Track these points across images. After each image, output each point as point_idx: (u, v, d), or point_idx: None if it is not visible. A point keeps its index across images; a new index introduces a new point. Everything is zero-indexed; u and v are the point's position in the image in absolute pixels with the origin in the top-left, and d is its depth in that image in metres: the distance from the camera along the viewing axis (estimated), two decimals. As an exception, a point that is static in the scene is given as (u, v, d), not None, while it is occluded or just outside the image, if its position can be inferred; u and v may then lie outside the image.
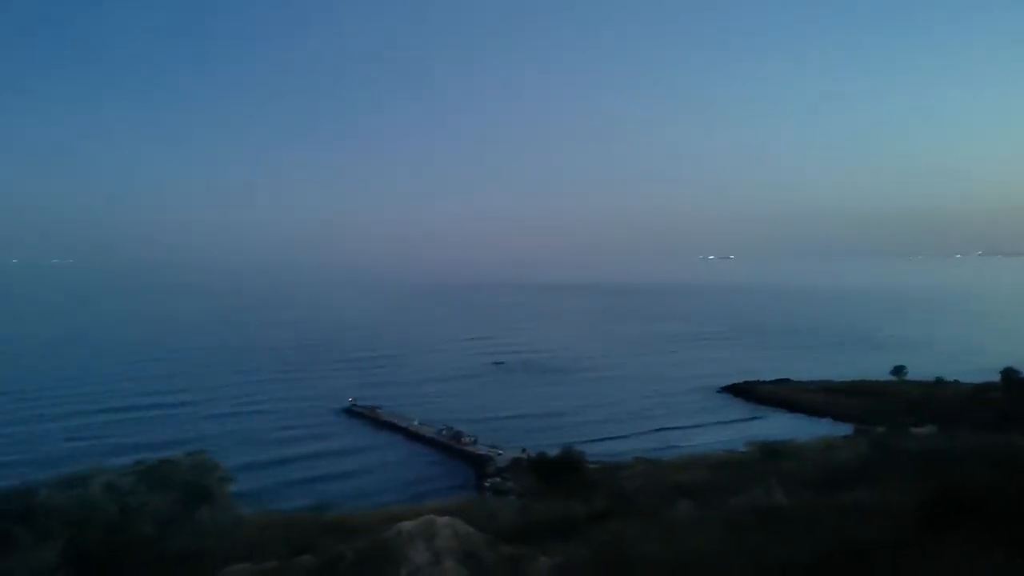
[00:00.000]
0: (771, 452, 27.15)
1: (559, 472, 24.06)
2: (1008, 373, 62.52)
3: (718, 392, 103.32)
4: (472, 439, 73.62)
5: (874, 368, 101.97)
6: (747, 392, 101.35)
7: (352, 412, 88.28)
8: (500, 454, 67.97)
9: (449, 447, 73.11)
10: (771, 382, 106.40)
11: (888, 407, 69.24)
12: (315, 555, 12.76)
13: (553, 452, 26.67)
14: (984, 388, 67.35)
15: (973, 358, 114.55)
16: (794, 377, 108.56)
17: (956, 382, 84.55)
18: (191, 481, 15.40)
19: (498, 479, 59.32)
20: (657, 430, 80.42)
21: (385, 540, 12.77)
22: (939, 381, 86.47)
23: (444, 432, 76.20)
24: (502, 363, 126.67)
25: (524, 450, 68.36)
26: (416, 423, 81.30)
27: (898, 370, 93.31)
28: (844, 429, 56.15)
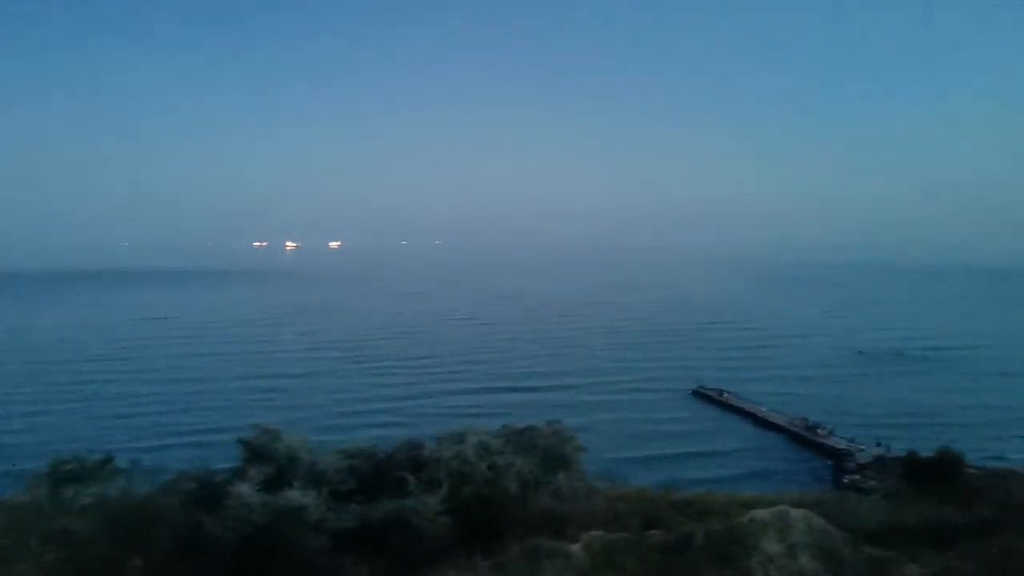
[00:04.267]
0: None
1: (933, 474, 21.70)
2: None
3: None
4: (828, 431, 69.23)
5: None
6: None
7: (699, 395, 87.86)
8: (862, 449, 63.07)
9: (802, 437, 69.52)
10: None
11: None
12: (665, 531, 12.96)
13: (922, 451, 24.21)
14: None
15: None
16: None
17: None
18: (551, 447, 16.49)
19: (858, 476, 55.24)
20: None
21: (737, 526, 12.53)
22: None
23: (797, 421, 72.68)
24: (865, 351, 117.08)
25: (879, 444, 62.82)
26: (765, 409, 78.58)
27: None
28: None
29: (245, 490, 14.17)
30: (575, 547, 13.05)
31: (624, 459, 57.90)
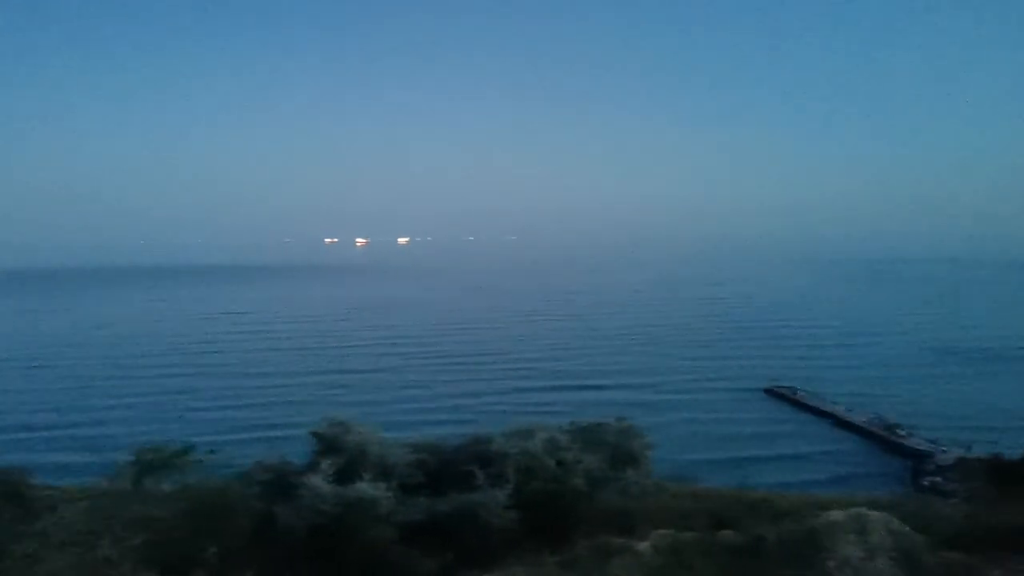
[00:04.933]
0: None
1: (1018, 477, 20.82)
2: None
3: None
4: (908, 431, 66.97)
5: None
6: None
7: (771, 393, 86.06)
8: (944, 451, 60.77)
9: (880, 438, 67.39)
10: None
11: None
12: (737, 532, 12.72)
13: (1007, 454, 23.27)
14: None
15: None
16: None
17: None
18: (619, 444, 16.37)
19: (939, 478, 53.23)
20: None
21: (812, 527, 12.22)
22: None
23: (875, 421, 70.50)
24: (946, 349, 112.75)
25: (966, 446, 60.36)
26: (841, 409, 76.46)
27: None
28: None
29: (317, 481, 14.47)
30: (643, 545, 12.92)
31: (694, 459, 57.15)
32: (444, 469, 15.96)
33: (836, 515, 12.38)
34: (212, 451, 17.11)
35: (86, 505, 14.45)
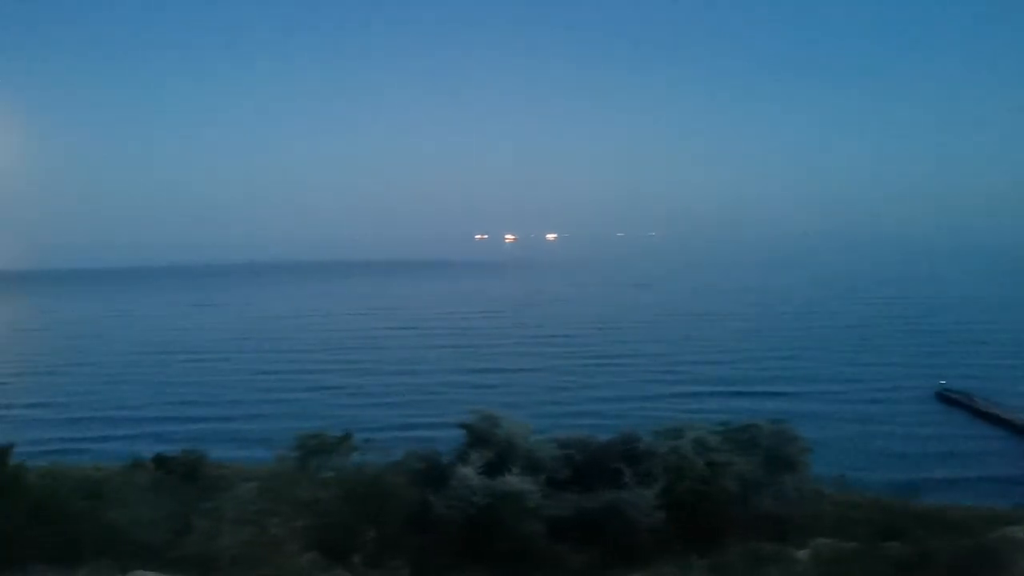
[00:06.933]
0: None
1: None
2: None
3: None
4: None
5: None
6: None
7: (943, 398, 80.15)
8: None
9: (1069, 450, 61.36)
10: None
11: None
12: (904, 544, 11.91)
13: None
14: None
15: None
16: None
17: None
18: (773, 447, 15.75)
19: None
20: None
21: (988, 543, 11.27)
22: None
23: (1063, 431, 64.19)
24: None
25: None
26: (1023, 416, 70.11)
27: None
28: None
29: (468, 472, 14.83)
30: (801, 553, 12.36)
31: (858, 467, 54.00)
32: (591, 465, 15.94)
33: (1016, 531, 11.37)
34: (369, 440, 17.89)
35: (256, 486, 15.48)
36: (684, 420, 18.50)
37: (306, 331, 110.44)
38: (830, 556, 11.95)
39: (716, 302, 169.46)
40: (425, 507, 14.54)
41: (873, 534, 12.74)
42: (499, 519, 13.98)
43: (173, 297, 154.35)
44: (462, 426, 17.24)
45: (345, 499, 14.61)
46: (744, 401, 79.75)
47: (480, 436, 16.61)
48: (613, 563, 13.59)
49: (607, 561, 13.64)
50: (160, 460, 17.51)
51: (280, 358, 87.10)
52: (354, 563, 12.84)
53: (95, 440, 42.65)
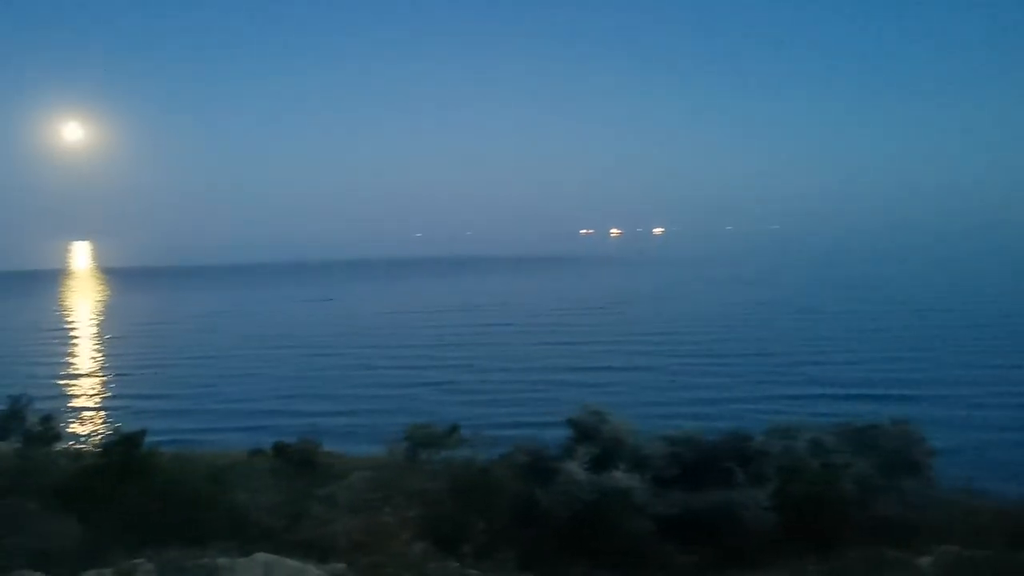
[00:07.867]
0: None
1: None
2: None
3: None
4: None
5: None
6: None
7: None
8: None
9: None
10: None
11: None
12: (1041, 555, 11.12)
13: None
14: None
15: None
16: None
17: None
18: (895, 449, 15.04)
19: None
20: None
21: None
22: None
23: None
24: None
25: None
26: None
27: None
28: None
29: (574, 467, 14.82)
30: (924, 560, 11.74)
31: (987, 475, 50.65)
32: (700, 464, 15.64)
33: None
34: (476, 433, 18.15)
35: (368, 475, 15.97)
36: (798, 421, 17.87)
37: (413, 327, 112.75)
38: (955, 563, 11.30)
39: (833, 300, 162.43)
40: (531, 501, 14.62)
41: (1009, 543, 11.95)
42: (605, 515, 13.91)
43: (288, 292, 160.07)
44: (568, 421, 17.24)
45: (453, 491, 14.87)
46: (864, 404, 76.06)
47: (586, 432, 16.57)
48: (723, 565, 13.29)
49: (717, 563, 13.36)
50: (279, 448, 18.34)
51: (386, 354, 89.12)
52: (464, 553, 13.04)
53: (214, 431, 44.79)
